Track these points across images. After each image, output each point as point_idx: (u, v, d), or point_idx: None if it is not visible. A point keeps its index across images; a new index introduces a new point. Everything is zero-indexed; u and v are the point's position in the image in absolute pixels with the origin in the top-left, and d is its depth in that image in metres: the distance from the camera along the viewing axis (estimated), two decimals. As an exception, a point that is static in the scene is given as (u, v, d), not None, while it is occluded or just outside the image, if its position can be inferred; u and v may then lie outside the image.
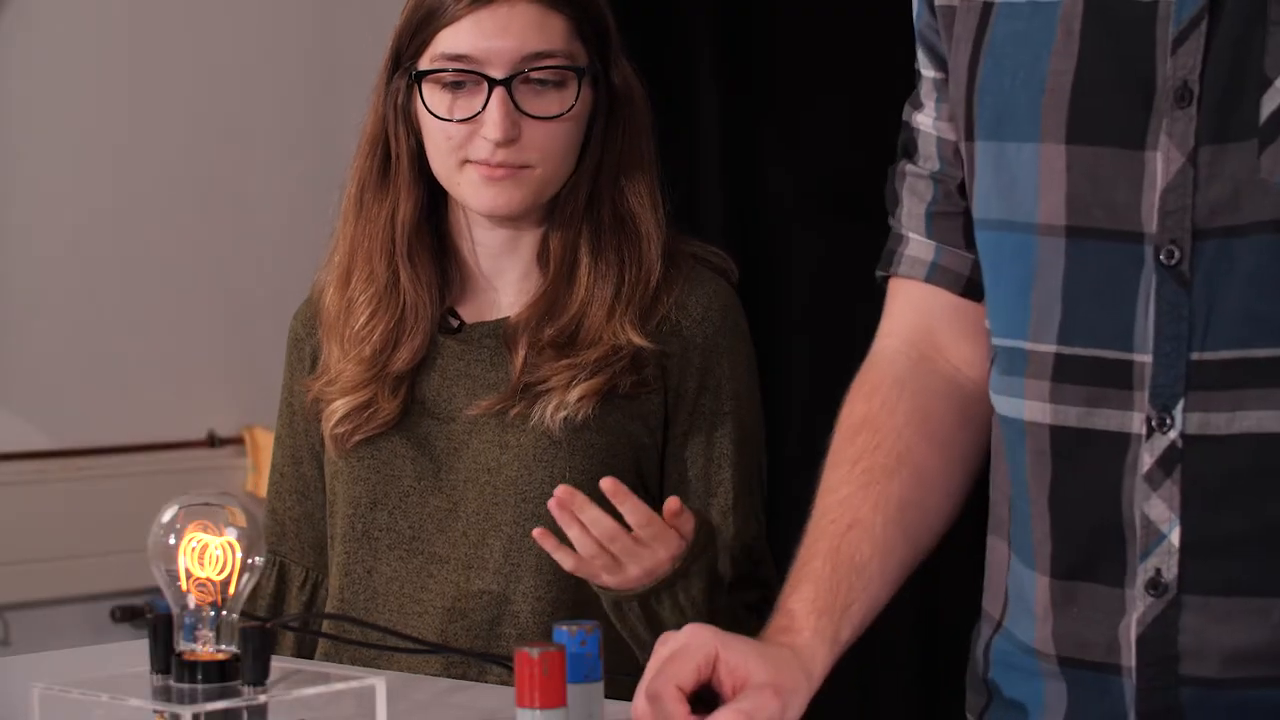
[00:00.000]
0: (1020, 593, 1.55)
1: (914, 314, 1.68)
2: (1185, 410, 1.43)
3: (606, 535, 1.89)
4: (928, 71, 1.64)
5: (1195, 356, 1.43)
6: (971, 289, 1.63)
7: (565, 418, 1.99)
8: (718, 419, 2.04)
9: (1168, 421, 1.44)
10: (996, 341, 1.56)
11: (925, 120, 1.65)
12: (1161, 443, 1.44)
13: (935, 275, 1.65)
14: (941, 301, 1.66)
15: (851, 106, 3.51)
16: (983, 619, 1.63)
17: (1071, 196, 1.48)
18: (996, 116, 1.54)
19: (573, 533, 1.89)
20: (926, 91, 1.64)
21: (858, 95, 3.49)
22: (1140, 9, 1.46)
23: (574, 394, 1.99)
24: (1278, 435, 1.41)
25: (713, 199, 3.59)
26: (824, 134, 3.55)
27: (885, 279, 1.71)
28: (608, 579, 1.92)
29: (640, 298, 2.03)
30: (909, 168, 1.67)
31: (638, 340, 2.01)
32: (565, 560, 1.91)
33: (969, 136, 1.57)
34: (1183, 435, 1.44)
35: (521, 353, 2.02)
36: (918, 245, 1.66)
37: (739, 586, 2.03)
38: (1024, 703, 1.56)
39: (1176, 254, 1.43)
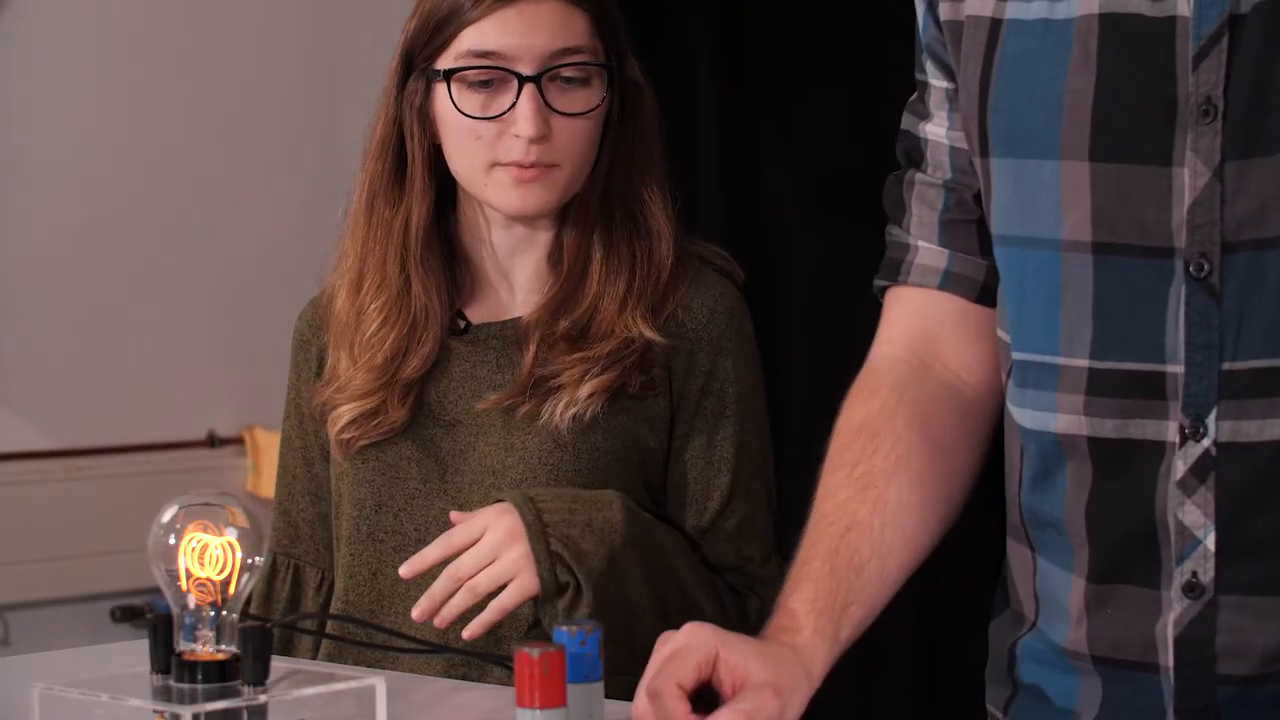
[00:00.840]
0: (1052, 595, 1.57)
1: (915, 321, 1.68)
2: (1218, 419, 1.45)
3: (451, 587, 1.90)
4: (937, 82, 1.64)
5: (1227, 366, 1.45)
6: (985, 294, 1.63)
7: (575, 415, 1.98)
8: (719, 422, 2.03)
9: (1201, 430, 1.46)
10: (1018, 355, 1.57)
11: (936, 130, 1.65)
12: (1195, 451, 1.46)
13: (949, 283, 1.66)
14: (949, 308, 1.66)
15: (851, 106, 3.51)
16: (1007, 617, 1.64)
17: (1097, 213, 1.49)
18: (1011, 134, 1.55)
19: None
20: (936, 102, 1.65)
21: (857, 95, 3.49)
22: (1158, 25, 1.47)
23: (584, 390, 1.98)
24: None
25: (712, 199, 3.59)
26: (823, 134, 3.55)
27: (885, 289, 1.71)
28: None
29: (652, 292, 2.03)
30: (918, 176, 1.67)
31: (649, 333, 2.00)
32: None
33: (983, 153, 1.58)
34: (1215, 443, 1.46)
35: (533, 349, 2.01)
36: (928, 253, 1.67)
37: (723, 573, 2.04)
38: (1057, 698, 1.57)
39: (1206, 266, 1.45)
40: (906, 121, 1.68)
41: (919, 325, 1.68)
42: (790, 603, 1.55)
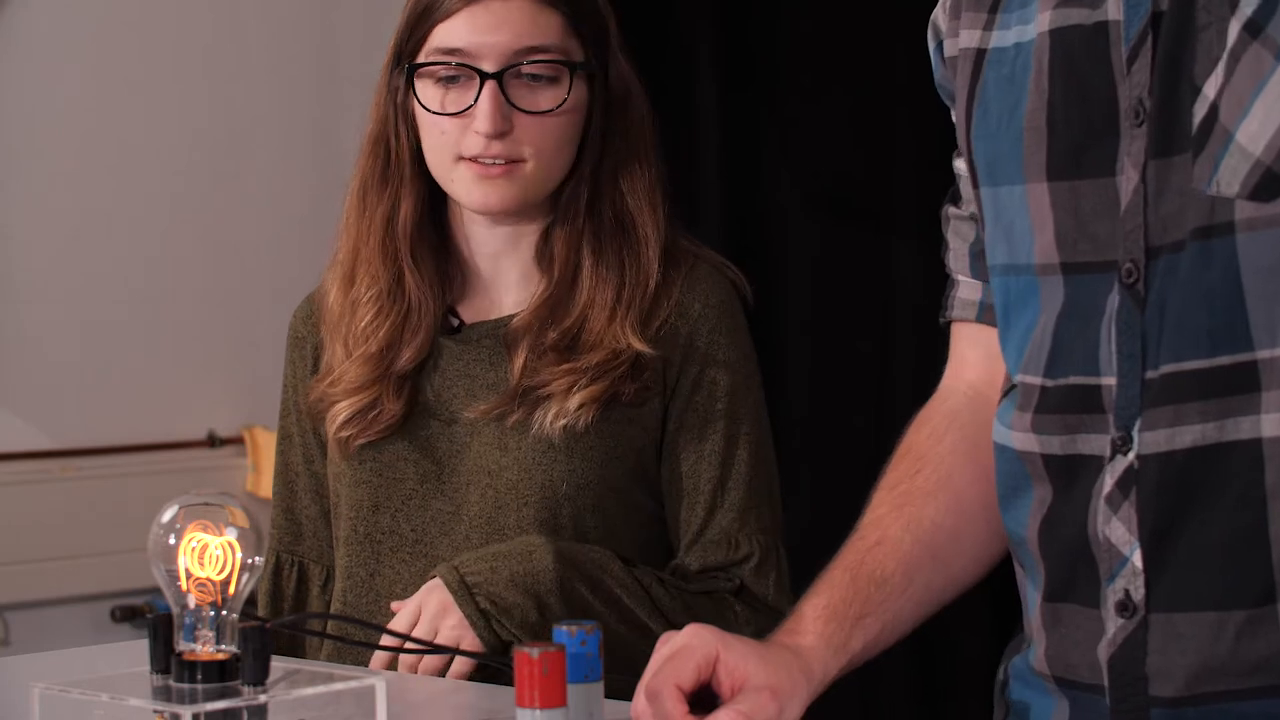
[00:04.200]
0: (1028, 613, 1.56)
1: (970, 353, 1.70)
2: (1141, 430, 1.43)
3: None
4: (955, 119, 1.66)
5: (1149, 375, 1.43)
6: None
7: (565, 425, 1.99)
8: (711, 416, 2.03)
9: (1128, 442, 1.44)
10: (1011, 378, 1.58)
11: (961, 166, 1.67)
12: (1121, 464, 1.44)
13: (984, 315, 1.67)
14: (991, 339, 1.67)
15: (853, 107, 3.51)
16: (1019, 638, 1.64)
17: (1059, 234, 1.49)
18: (989, 163, 1.55)
19: None
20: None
21: (858, 96, 3.49)
22: (1094, 33, 1.46)
23: (574, 401, 1.98)
24: (1216, 446, 1.40)
25: (712, 199, 3.59)
26: (825, 134, 3.55)
27: (947, 324, 1.72)
28: None
29: (640, 300, 2.03)
30: (952, 211, 1.70)
31: (638, 345, 2.00)
32: None
33: (974, 184, 1.59)
34: (1139, 455, 1.43)
35: (522, 356, 2.02)
36: (966, 287, 1.68)
37: (705, 575, 2.03)
38: (1036, 718, 1.56)
39: (1134, 273, 1.44)
40: (954, 158, 1.70)
41: (973, 357, 1.69)
42: (802, 607, 1.56)
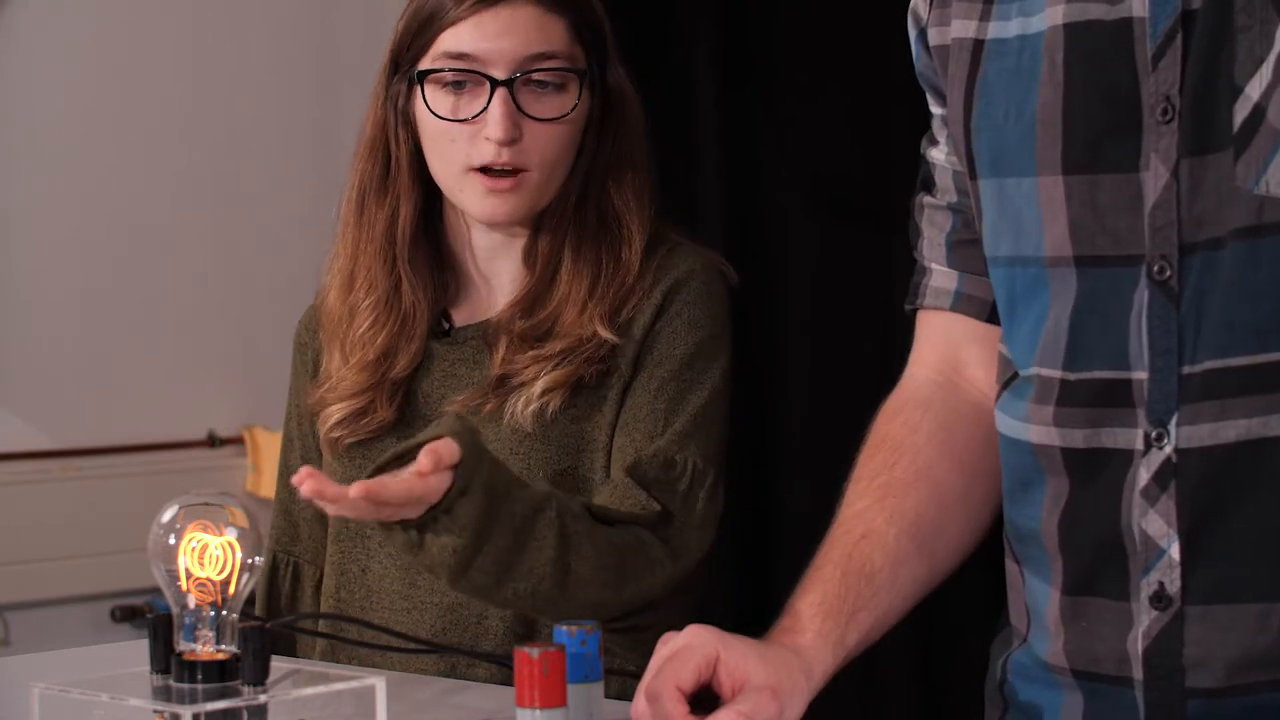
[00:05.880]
0: (1036, 607, 1.56)
1: (940, 341, 1.70)
2: (1178, 424, 1.44)
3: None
4: (936, 109, 1.66)
5: (1186, 370, 1.44)
6: (995, 315, 1.64)
7: (534, 412, 1.98)
8: (668, 359, 2.01)
9: (1163, 437, 1.45)
10: (1009, 370, 1.58)
11: (939, 155, 1.67)
12: (1158, 458, 1.45)
13: (959, 304, 1.67)
14: (966, 328, 1.68)
15: (852, 106, 3.51)
16: (1007, 633, 1.64)
17: (1074, 227, 1.49)
18: (994, 154, 1.55)
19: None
20: (938, 127, 1.67)
21: (857, 95, 3.49)
22: (1116, 29, 1.47)
23: (539, 387, 1.98)
24: (1262, 441, 1.42)
25: (712, 199, 3.59)
26: (824, 134, 3.55)
27: (914, 311, 1.72)
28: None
29: (614, 294, 2.03)
30: (927, 200, 1.70)
31: (604, 334, 2.00)
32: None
33: (972, 175, 1.59)
34: (1176, 449, 1.44)
35: (501, 350, 2.02)
36: (940, 275, 1.69)
37: (622, 519, 1.93)
38: (1043, 714, 1.56)
39: (1166, 269, 1.44)
40: (923, 147, 1.70)
41: (944, 346, 1.70)
42: (797, 605, 1.55)
